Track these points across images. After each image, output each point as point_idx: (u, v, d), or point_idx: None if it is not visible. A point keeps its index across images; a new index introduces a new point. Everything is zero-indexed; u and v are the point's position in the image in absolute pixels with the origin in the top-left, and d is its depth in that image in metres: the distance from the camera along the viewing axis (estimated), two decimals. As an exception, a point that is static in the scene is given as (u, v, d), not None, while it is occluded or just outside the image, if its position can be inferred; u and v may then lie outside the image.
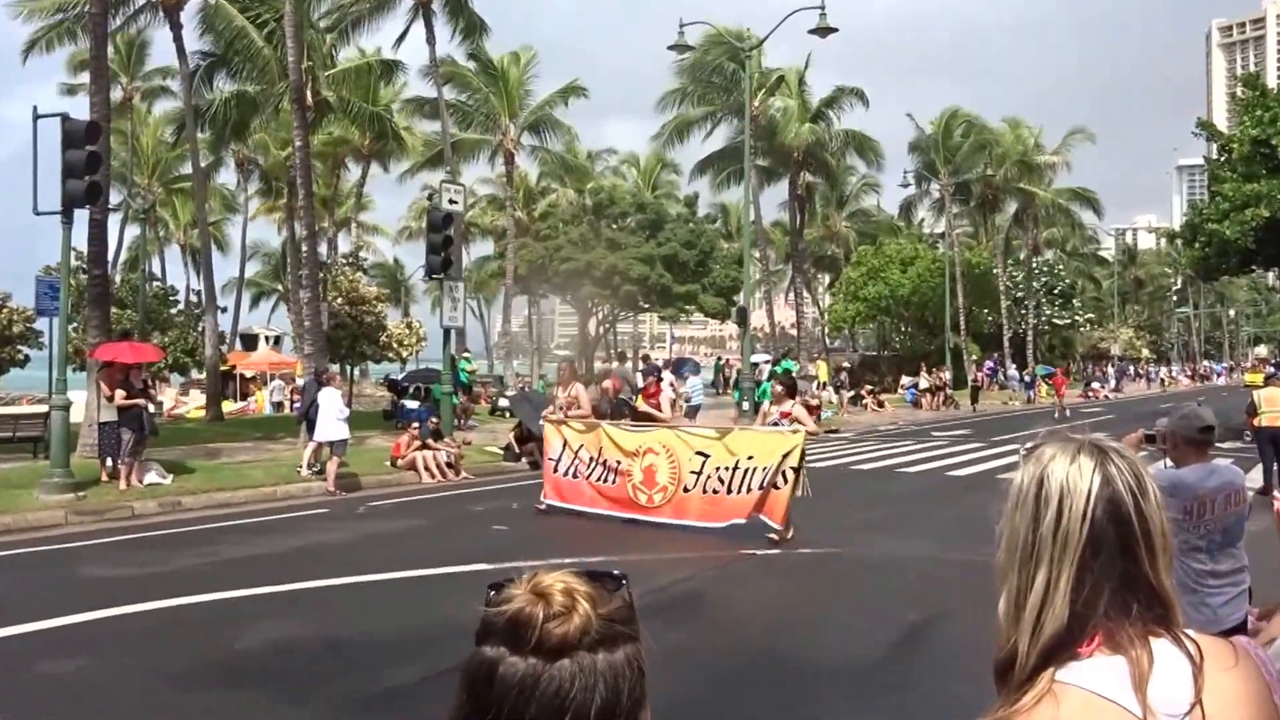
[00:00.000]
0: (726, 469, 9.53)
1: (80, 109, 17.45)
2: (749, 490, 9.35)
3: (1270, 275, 51.17)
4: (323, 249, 32.04)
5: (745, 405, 21.75)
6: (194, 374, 31.33)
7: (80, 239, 14.37)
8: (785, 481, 9.15)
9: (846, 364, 35.63)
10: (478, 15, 28.07)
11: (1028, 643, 1.09)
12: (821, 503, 10.08)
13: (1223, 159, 24.82)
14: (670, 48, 24.00)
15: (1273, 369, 23.31)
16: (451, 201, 16.84)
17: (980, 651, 1.29)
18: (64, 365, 12.41)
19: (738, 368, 29.27)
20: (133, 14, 25.54)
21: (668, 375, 19.72)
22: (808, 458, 9.63)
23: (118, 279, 30.95)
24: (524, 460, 15.12)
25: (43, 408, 15.45)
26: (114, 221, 32.96)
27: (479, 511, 11.37)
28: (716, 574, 8.16)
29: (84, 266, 16.91)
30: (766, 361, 29.79)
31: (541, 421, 11.85)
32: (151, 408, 13.36)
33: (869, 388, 31.59)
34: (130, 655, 5.73)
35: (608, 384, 15.69)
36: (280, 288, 46.08)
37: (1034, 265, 50.32)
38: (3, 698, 5.00)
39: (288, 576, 7.59)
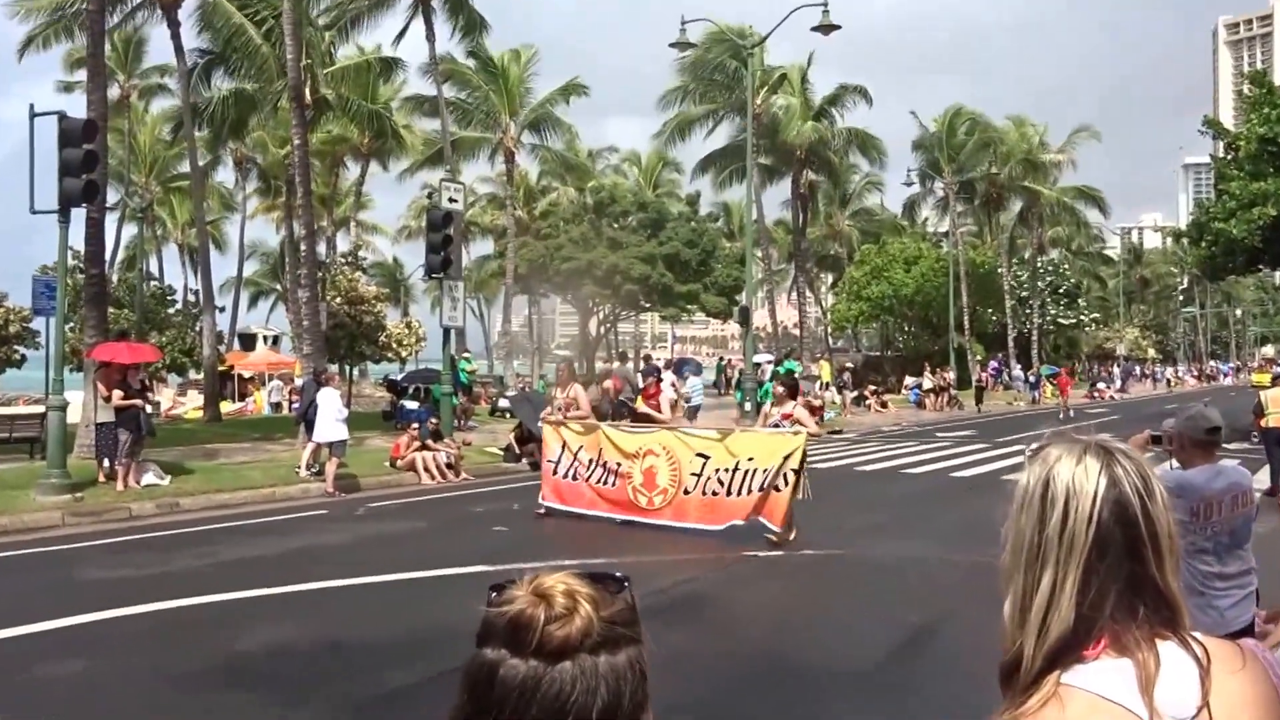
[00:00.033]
0: (726, 470, 9.46)
1: (77, 106, 17.48)
2: (749, 492, 9.28)
3: (1278, 274, 50.86)
4: (321, 248, 32.09)
5: (747, 406, 21.63)
6: (192, 374, 31.25)
7: (77, 238, 14.51)
8: (786, 484, 9.06)
9: (850, 364, 35.60)
10: (478, 12, 28.01)
11: (1033, 645, 1.08)
12: (824, 504, 10.05)
13: (1229, 157, 24.69)
14: (672, 45, 23.91)
15: (1280, 369, 23.08)
16: (451, 200, 16.78)
17: (985, 654, 1.28)
18: (61, 365, 12.35)
19: (740, 368, 29.19)
20: (130, 11, 25.58)
21: (669, 376, 19.55)
22: (809, 459, 9.57)
23: (115, 278, 30.83)
24: (524, 461, 15.04)
25: (39, 408, 15.44)
26: (111, 220, 33.05)
27: (479, 513, 11.35)
28: (719, 576, 8.15)
29: (81, 266, 16.89)
30: (769, 362, 29.66)
31: (539, 423, 11.75)
32: (149, 408, 13.32)
33: (872, 388, 31.46)
34: (128, 657, 5.73)
35: (609, 384, 15.60)
36: (278, 287, 46.14)
37: (1039, 264, 50.15)
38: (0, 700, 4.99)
39: (286, 578, 7.58)
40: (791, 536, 9.06)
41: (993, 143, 43.07)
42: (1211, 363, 73.75)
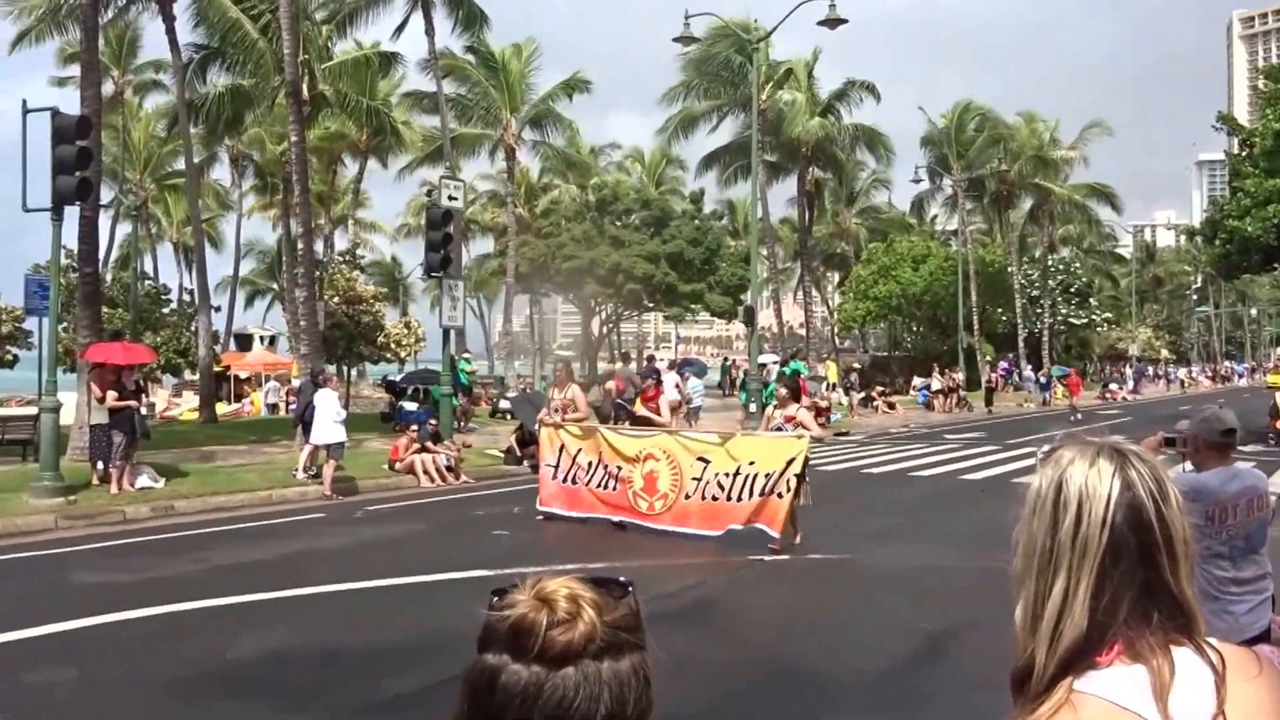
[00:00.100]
0: (727, 475, 9.37)
1: (70, 101, 17.41)
2: (749, 496, 9.20)
3: (1293, 273, 50.16)
4: (319, 247, 31.97)
5: (752, 407, 21.32)
6: (187, 375, 31.12)
7: (70, 236, 14.53)
8: (788, 490, 8.94)
9: (856, 365, 35.37)
10: (478, 7, 27.89)
11: (1046, 652, 1.08)
12: (831, 507, 10.03)
13: (1244, 154, 24.56)
14: (676, 40, 23.81)
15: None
16: (451, 198, 16.71)
17: (996, 661, 1.30)
18: (54, 366, 12.34)
19: (745, 369, 28.98)
20: (124, 6, 25.41)
21: (673, 376, 19.17)
22: (811, 462, 9.50)
23: (109, 277, 30.65)
24: (525, 463, 14.97)
25: (32, 409, 15.39)
26: (105, 219, 32.72)
27: (479, 516, 11.33)
28: (724, 581, 8.13)
29: (74, 265, 17.00)
30: (774, 362, 29.33)
31: (536, 425, 11.64)
32: (144, 410, 13.34)
33: (880, 389, 31.34)
34: (122, 663, 5.71)
35: (611, 385, 15.31)
36: (275, 287, 46.00)
37: (1050, 263, 49.76)
38: (-5, 704, 4.98)
39: (283, 582, 7.57)
40: (797, 540, 9.00)
41: (1002, 139, 42.66)
42: (1226, 363, 73.17)
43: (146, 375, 22.40)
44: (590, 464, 10.37)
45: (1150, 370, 55.28)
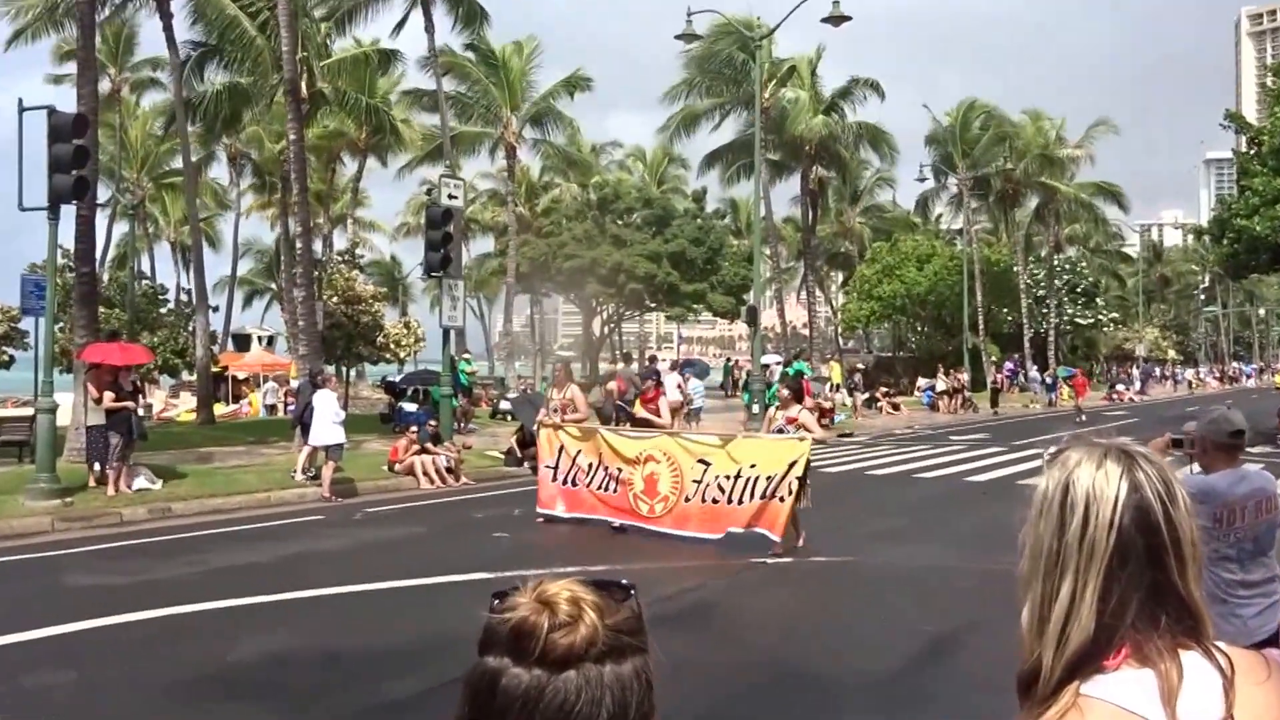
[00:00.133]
0: (728, 477, 9.32)
1: (66, 99, 17.46)
2: (750, 499, 9.15)
3: (1301, 273, 49.87)
4: (318, 246, 31.82)
5: (755, 408, 21.10)
6: (184, 375, 31.06)
7: (67, 236, 14.37)
8: (790, 493, 8.86)
9: (861, 365, 35.21)
10: (478, 4, 27.81)
11: (1052, 655, 1.08)
12: (835, 509, 10.01)
13: (1252, 152, 24.56)
14: (678, 37, 23.72)
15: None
16: (451, 197, 16.65)
17: (1002, 664, 1.29)
18: (50, 367, 12.28)
19: (748, 369, 28.79)
20: (121, 3, 25.25)
21: (675, 377, 19.03)
22: (814, 464, 9.45)
23: (106, 277, 30.57)
24: (526, 465, 14.91)
25: (28, 410, 15.39)
26: (102, 218, 32.58)
27: (479, 518, 11.31)
28: (726, 583, 8.12)
29: (71, 264, 16.97)
30: (777, 363, 29.24)
31: (535, 426, 11.59)
32: (141, 411, 13.33)
33: (884, 390, 31.27)
34: (122, 666, 5.69)
35: (612, 385, 15.32)
36: (274, 286, 45.99)
37: (1056, 263, 49.54)
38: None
39: (282, 585, 7.57)
40: (800, 542, 8.95)
41: (1008, 137, 42.47)
42: (1234, 364, 72.94)
43: (144, 376, 22.33)
44: (590, 465, 10.34)
45: (1157, 371, 55.12)
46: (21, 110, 11.76)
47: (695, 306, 41.22)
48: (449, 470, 14.02)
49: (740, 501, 9.18)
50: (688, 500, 9.60)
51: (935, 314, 43.22)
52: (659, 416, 12.13)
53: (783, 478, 8.88)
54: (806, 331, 44.44)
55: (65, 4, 25.05)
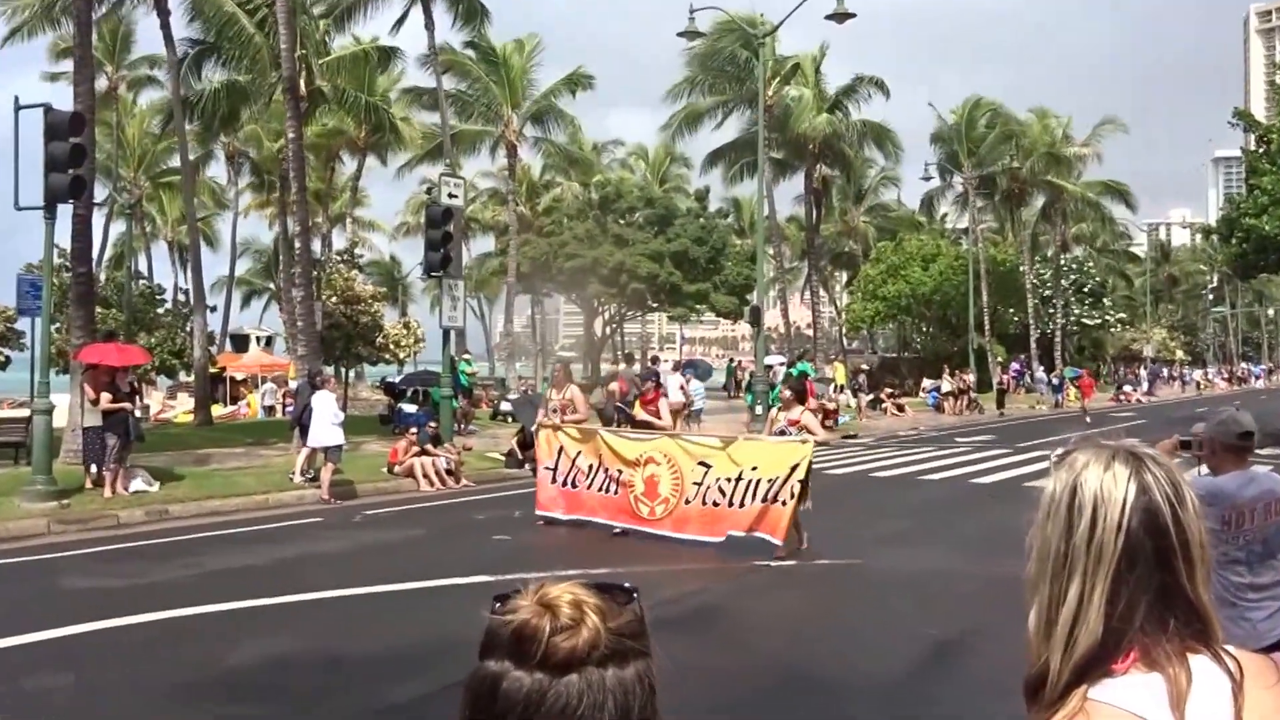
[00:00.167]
0: (729, 480, 9.27)
1: (63, 97, 17.32)
2: (751, 502, 9.09)
3: (1311, 273, 49.53)
4: (316, 246, 31.66)
5: (758, 409, 20.82)
6: (182, 376, 30.98)
7: (63, 235, 14.04)
8: (792, 497, 8.79)
9: (865, 366, 34.97)
10: (478, 1, 27.62)
11: (1060, 659, 1.08)
12: (839, 512, 10.01)
13: (1261, 150, 24.56)
14: (680, 34, 23.82)
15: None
16: (451, 196, 16.59)
17: (1008, 668, 1.29)
18: (46, 367, 12.30)
19: (751, 370, 28.59)
20: (118, 0, 25.00)
21: (677, 378, 18.84)
22: (817, 466, 9.41)
23: (102, 277, 30.60)
24: (526, 466, 14.82)
25: (24, 412, 15.39)
26: (99, 217, 32.48)
27: (480, 520, 11.31)
28: (730, 586, 8.11)
29: (67, 264, 16.89)
30: (781, 363, 29.03)
31: (534, 427, 11.57)
32: (138, 412, 13.31)
33: (889, 391, 30.93)
34: (117, 671, 5.70)
35: (614, 386, 15.22)
36: (272, 286, 45.92)
37: (1062, 262, 49.34)
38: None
39: (281, 588, 7.57)
40: (803, 545, 8.91)
41: (1014, 135, 42.26)
42: (1242, 365, 72.36)
43: (141, 377, 22.13)
44: (590, 467, 10.29)
45: (1165, 372, 54.79)
46: (17, 108, 11.79)
47: (698, 307, 41.05)
48: (449, 472, 13.99)
49: (741, 504, 9.10)
50: (688, 502, 9.54)
51: (940, 314, 43.02)
52: (659, 418, 11.97)
53: (784, 481, 8.80)
54: (810, 332, 44.33)
55: (62, 1, 24.89)
